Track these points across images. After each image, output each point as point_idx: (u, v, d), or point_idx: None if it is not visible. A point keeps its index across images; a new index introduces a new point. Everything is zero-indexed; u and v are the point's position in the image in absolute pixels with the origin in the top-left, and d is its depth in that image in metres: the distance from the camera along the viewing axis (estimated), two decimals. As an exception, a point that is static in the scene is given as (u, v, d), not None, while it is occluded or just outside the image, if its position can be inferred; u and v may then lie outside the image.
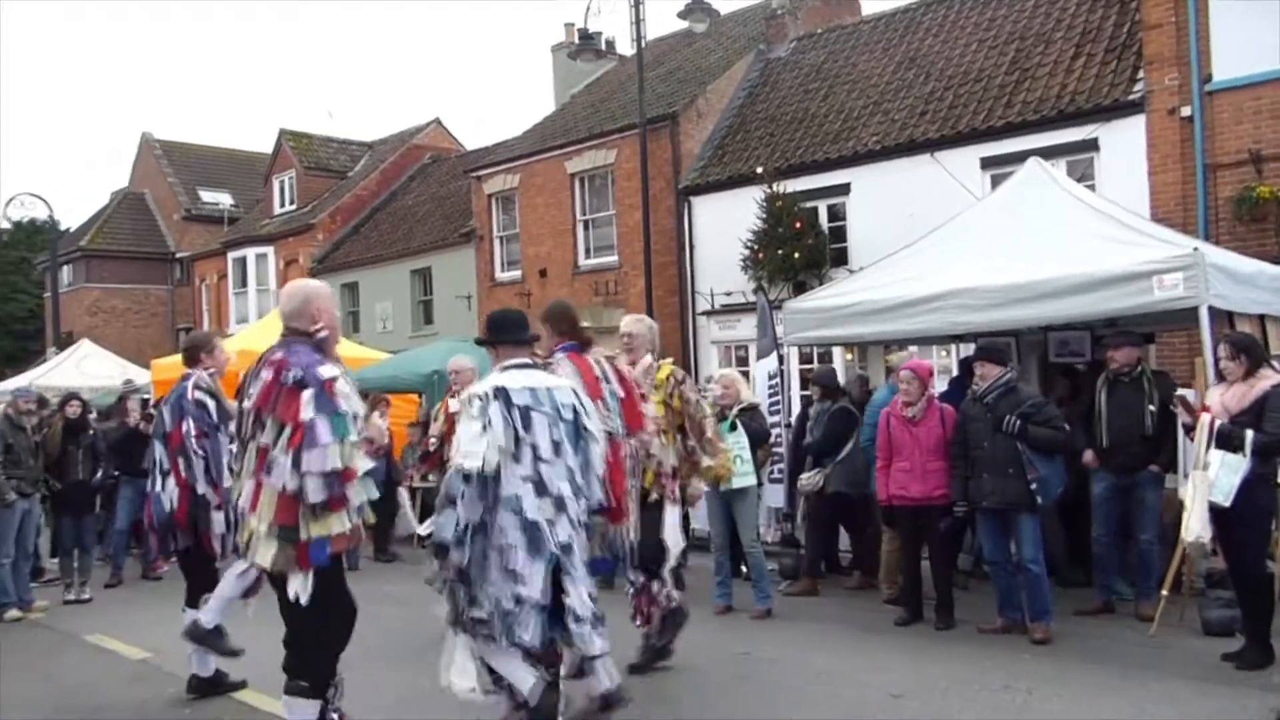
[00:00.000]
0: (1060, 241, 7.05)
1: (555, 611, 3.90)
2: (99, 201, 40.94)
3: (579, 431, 4.02)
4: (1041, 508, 6.36)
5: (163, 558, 5.92)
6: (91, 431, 9.29)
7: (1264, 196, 10.52)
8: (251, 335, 12.97)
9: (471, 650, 3.85)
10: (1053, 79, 13.05)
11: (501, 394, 3.86)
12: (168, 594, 7.14)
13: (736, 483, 6.95)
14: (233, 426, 5.07)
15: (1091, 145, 12.10)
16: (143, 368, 16.39)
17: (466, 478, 3.72)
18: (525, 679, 3.82)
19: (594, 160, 17.92)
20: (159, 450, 5.62)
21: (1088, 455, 6.79)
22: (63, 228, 31.14)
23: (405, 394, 12.52)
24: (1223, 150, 11.00)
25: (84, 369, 17.15)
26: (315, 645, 3.91)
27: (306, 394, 3.75)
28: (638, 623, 5.64)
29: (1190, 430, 5.83)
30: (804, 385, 14.17)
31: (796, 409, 9.69)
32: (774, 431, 8.68)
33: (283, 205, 28.06)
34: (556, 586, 3.88)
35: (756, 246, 14.47)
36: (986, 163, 12.83)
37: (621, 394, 4.88)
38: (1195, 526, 5.53)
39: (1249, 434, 5.36)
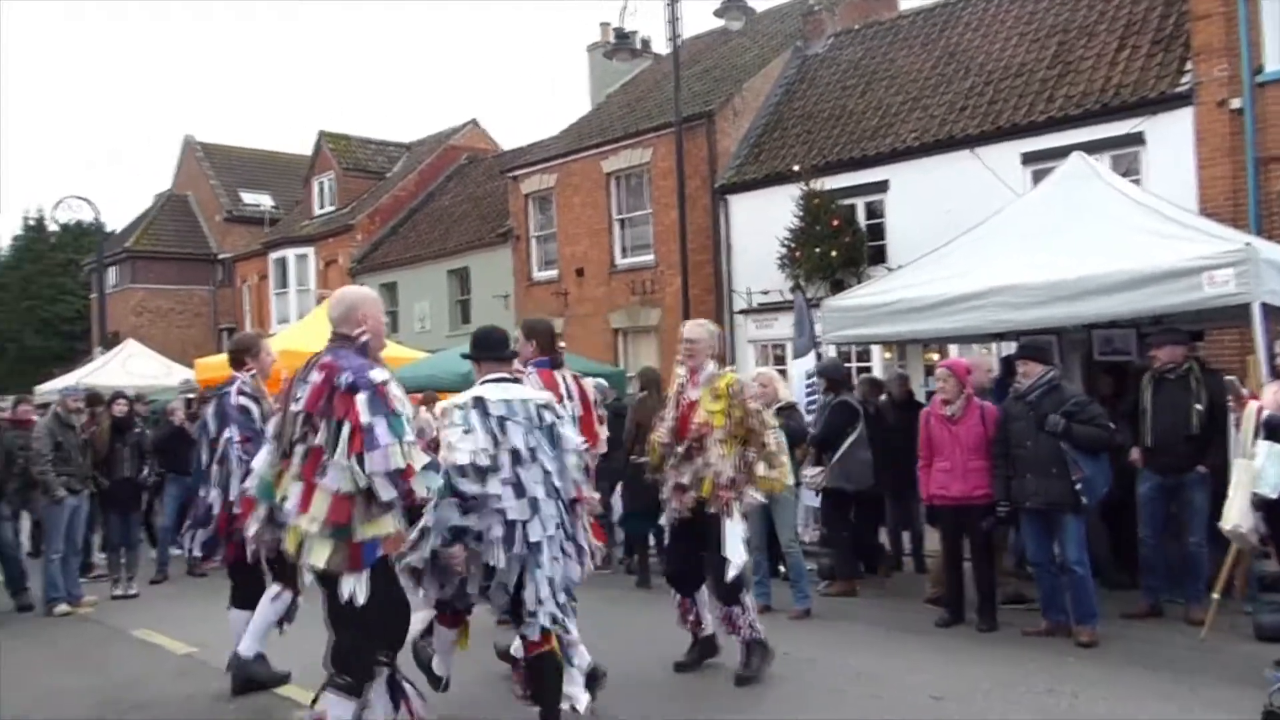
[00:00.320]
0: (1105, 237, 6.92)
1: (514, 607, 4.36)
2: (143, 203, 41.83)
3: (554, 438, 4.45)
4: (1086, 508, 6.26)
5: (207, 558, 5.96)
6: (138, 429, 9.47)
7: (1318, 190, 10.27)
8: (293, 335, 13.13)
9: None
10: (1096, 72, 12.83)
11: (479, 403, 4.32)
12: (213, 591, 7.23)
13: (774, 483, 6.90)
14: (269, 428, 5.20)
15: (1137, 139, 11.87)
16: (186, 367, 16.65)
17: (463, 472, 4.14)
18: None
19: (630, 159, 17.92)
20: (204, 453, 5.68)
21: (1134, 454, 6.66)
22: (108, 230, 31.72)
23: (443, 393, 12.59)
24: (1275, 143, 10.73)
25: (129, 368, 17.50)
26: (359, 644, 3.94)
27: (361, 398, 3.82)
28: (688, 624, 5.70)
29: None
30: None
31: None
32: (811, 431, 8.63)
33: (322, 206, 28.39)
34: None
35: (793, 245, 14.38)
36: (1028, 158, 12.65)
37: (581, 411, 5.25)
38: (1234, 515, 5.43)
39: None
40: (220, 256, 32.23)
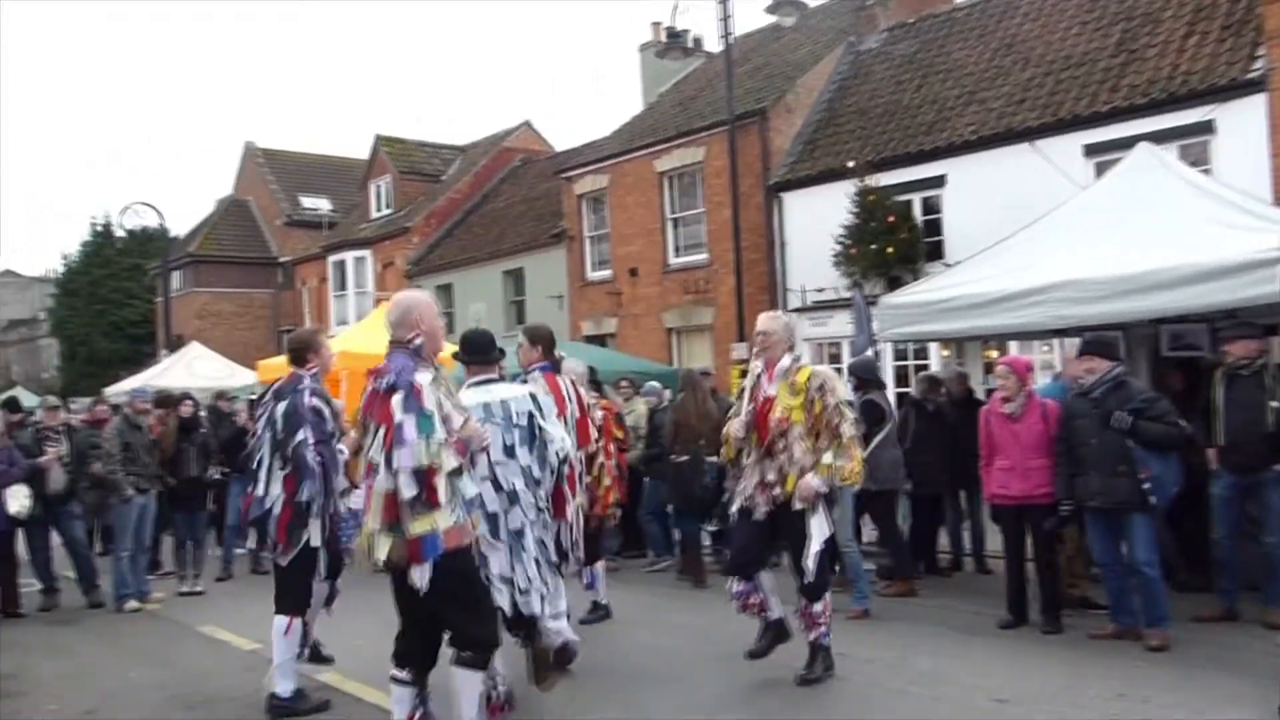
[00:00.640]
0: (1173, 229, 6.72)
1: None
2: (205, 208, 42.82)
3: (534, 434, 4.78)
4: (1155, 508, 6.08)
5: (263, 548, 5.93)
6: (203, 430, 9.69)
7: (1397, 178, 9.87)
8: (352, 336, 13.30)
9: None
10: (1162, 60, 12.48)
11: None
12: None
13: (832, 481, 6.81)
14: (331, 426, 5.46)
15: (1206, 128, 11.53)
16: (248, 369, 17.00)
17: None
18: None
19: (683, 158, 17.88)
20: (266, 452, 5.35)
21: (1210, 453, 6.46)
22: (171, 235, 32.51)
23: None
24: (1351, 129, 10.37)
25: (194, 370, 17.93)
26: (468, 621, 4.10)
27: (396, 397, 3.97)
28: (751, 609, 5.60)
29: None
30: (900, 382, 13.92)
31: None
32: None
33: (379, 209, 28.80)
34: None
35: (849, 242, 14.23)
36: (1090, 150, 12.34)
37: (578, 415, 5.62)
38: None
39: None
40: (280, 260, 32.86)
